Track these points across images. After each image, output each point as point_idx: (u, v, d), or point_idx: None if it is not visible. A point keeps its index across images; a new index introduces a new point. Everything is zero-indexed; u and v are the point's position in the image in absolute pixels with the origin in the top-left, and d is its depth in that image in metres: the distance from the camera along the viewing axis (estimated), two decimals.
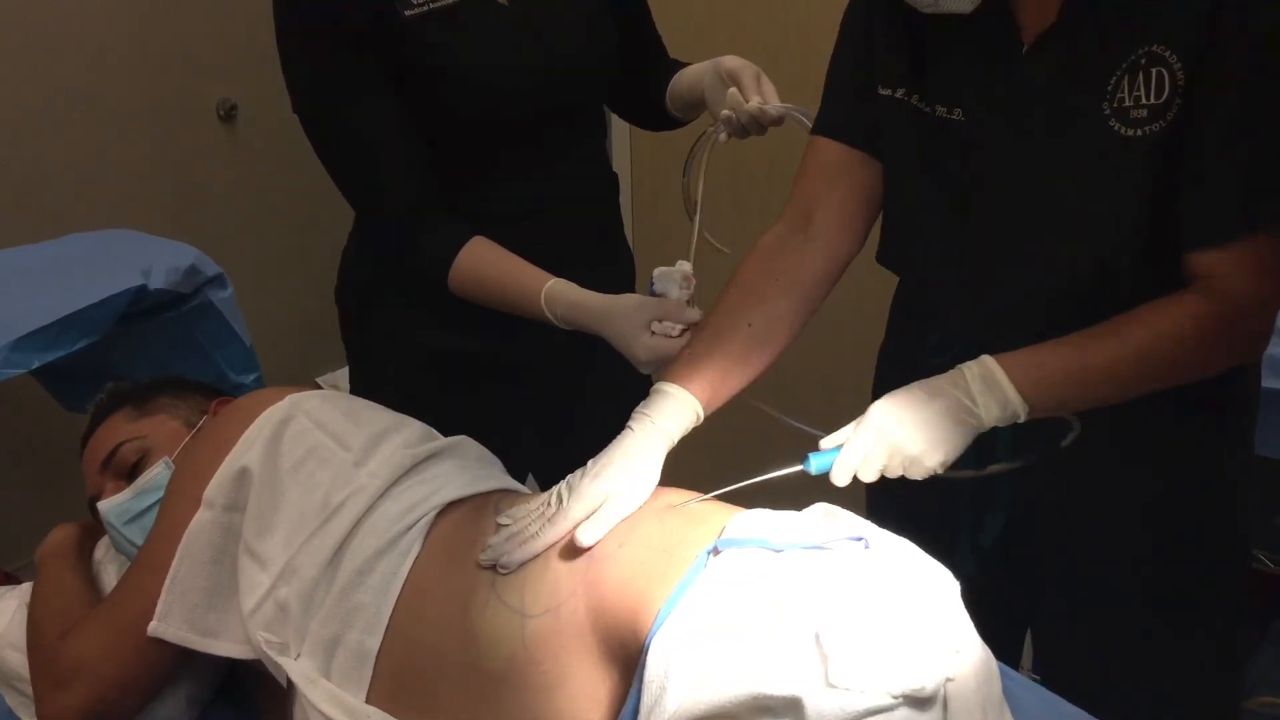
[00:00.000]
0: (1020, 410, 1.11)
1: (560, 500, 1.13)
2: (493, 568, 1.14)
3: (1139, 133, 1.09)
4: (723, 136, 1.47)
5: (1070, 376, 1.12)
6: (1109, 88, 1.10)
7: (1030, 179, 1.17)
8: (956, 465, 1.15)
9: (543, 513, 1.14)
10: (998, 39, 1.16)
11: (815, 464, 1.13)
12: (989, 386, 1.11)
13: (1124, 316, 1.13)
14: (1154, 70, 1.07)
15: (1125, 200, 1.12)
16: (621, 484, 1.13)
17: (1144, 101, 1.08)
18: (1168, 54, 1.07)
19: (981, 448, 1.22)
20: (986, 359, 1.12)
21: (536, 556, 1.12)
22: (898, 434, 1.10)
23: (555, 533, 1.12)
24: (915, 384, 1.14)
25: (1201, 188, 1.09)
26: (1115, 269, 1.15)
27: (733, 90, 1.45)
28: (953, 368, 1.17)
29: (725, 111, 1.45)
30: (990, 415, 1.11)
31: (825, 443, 1.15)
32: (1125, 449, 1.24)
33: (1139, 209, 1.12)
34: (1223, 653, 1.34)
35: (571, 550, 1.11)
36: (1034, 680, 1.32)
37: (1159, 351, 1.12)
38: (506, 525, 1.15)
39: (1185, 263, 1.12)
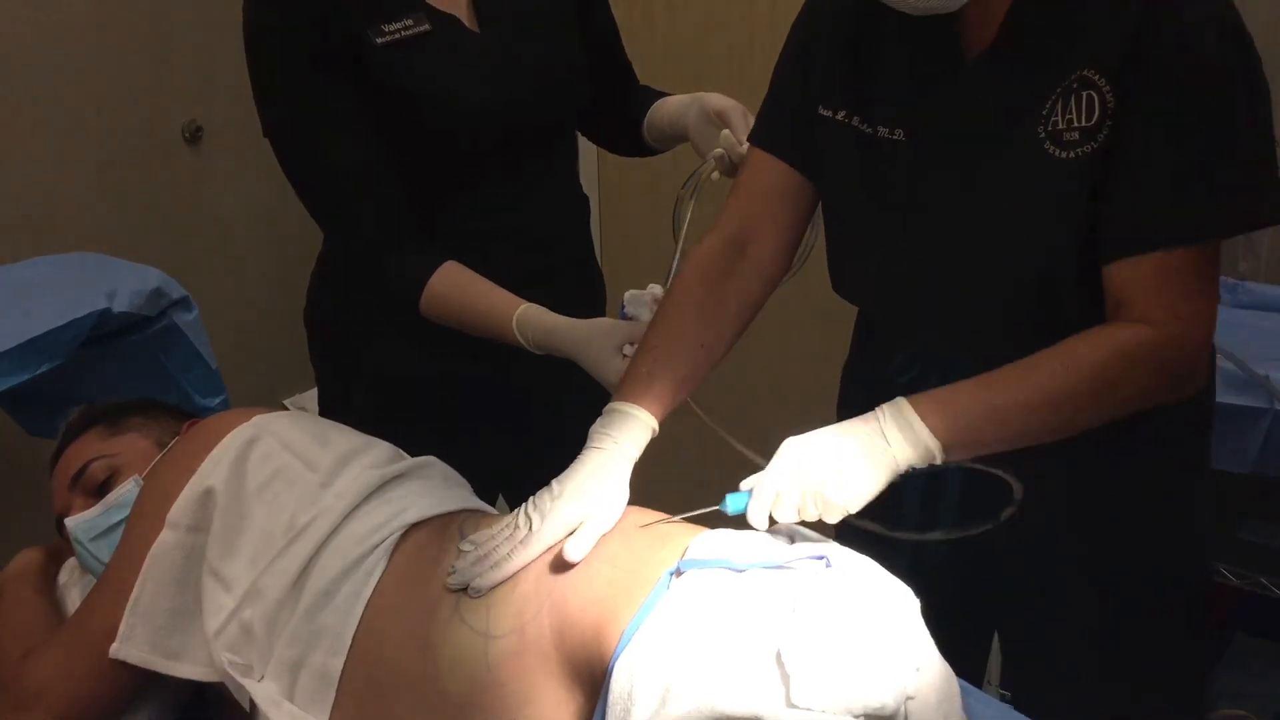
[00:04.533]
0: (934, 448, 1.09)
1: (529, 522, 1.13)
2: (462, 590, 1.13)
3: (1071, 155, 1.11)
4: (715, 175, 1.49)
5: (982, 414, 1.11)
6: (1044, 111, 1.12)
7: (969, 199, 1.18)
8: (896, 524, 1.16)
9: (511, 535, 1.14)
10: (940, 58, 1.18)
11: (731, 504, 1.12)
12: (901, 425, 1.09)
13: (1042, 353, 1.12)
14: (1085, 94, 1.09)
15: (1059, 220, 1.14)
16: (597, 504, 1.14)
17: (1076, 124, 1.10)
18: (1098, 78, 1.09)
19: (924, 513, 1.25)
20: (901, 400, 1.11)
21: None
22: (807, 469, 1.08)
23: (528, 555, 1.12)
24: (831, 425, 1.13)
25: (1117, 202, 1.10)
26: (1056, 286, 1.16)
27: (726, 132, 1.48)
28: (915, 384, 1.17)
29: (718, 150, 1.47)
30: (904, 454, 1.09)
31: (745, 484, 1.13)
32: (1083, 469, 1.25)
33: (1073, 228, 1.13)
34: (1187, 668, 1.35)
35: (536, 570, 1.11)
36: (1003, 695, 1.33)
37: (1072, 388, 1.10)
38: (470, 551, 1.15)
39: (1105, 288, 1.12)
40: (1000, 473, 1.15)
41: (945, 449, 1.09)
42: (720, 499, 1.12)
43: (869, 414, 1.12)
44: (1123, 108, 1.08)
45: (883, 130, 1.22)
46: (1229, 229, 1.12)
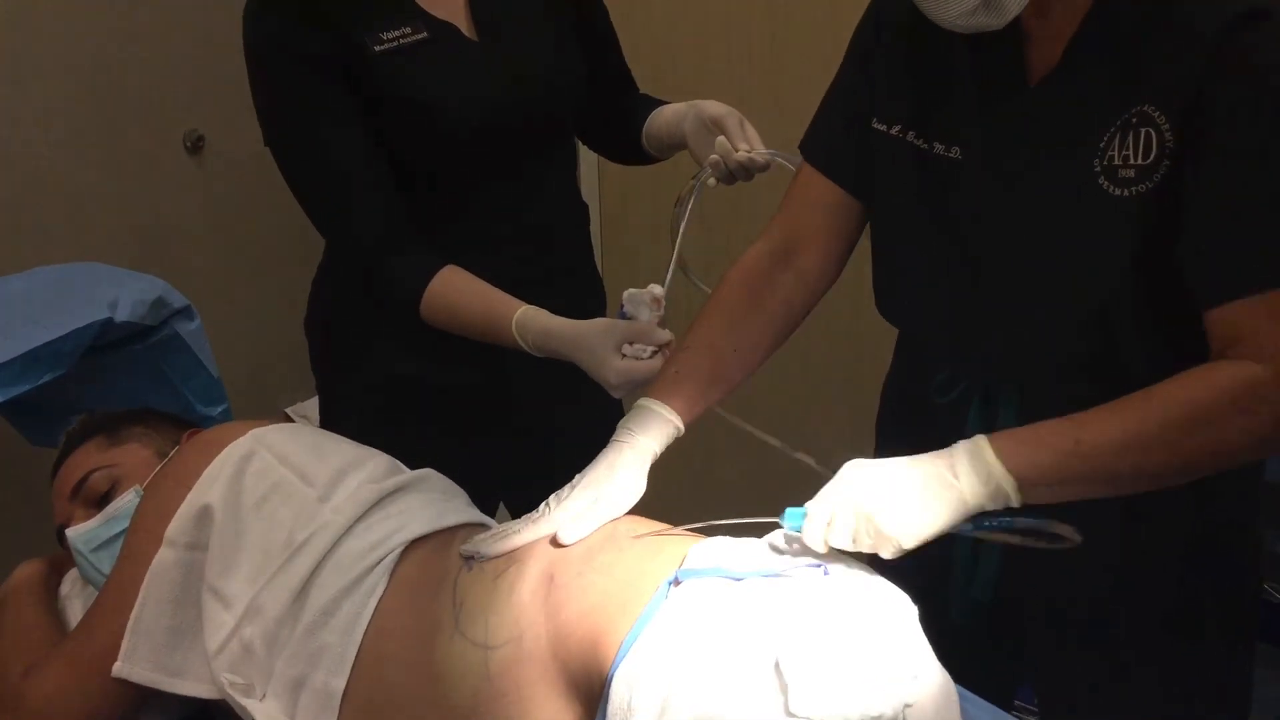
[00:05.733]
0: (1008, 486, 1.02)
1: (548, 509, 1.16)
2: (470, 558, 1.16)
3: (1126, 193, 1.06)
4: (711, 182, 1.49)
5: (1066, 453, 1.02)
6: (1101, 144, 1.07)
7: (1020, 225, 1.15)
8: None
9: (529, 516, 1.17)
10: (1004, 78, 1.15)
11: (789, 520, 1.09)
12: (973, 459, 1.03)
13: (1139, 391, 1.03)
14: (1143, 130, 1.05)
15: (1111, 256, 1.09)
16: (607, 490, 1.16)
17: (1132, 161, 1.05)
18: (1157, 114, 1.04)
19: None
20: (979, 436, 1.05)
21: (503, 581, 1.13)
22: (864, 495, 1.04)
23: (536, 532, 1.15)
24: (902, 457, 1.07)
25: (1210, 244, 1.04)
26: (1109, 323, 1.12)
27: (721, 139, 1.47)
28: (956, 405, 1.15)
29: (713, 157, 1.47)
30: (972, 490, 1.02)
31: (809, 504, 1.09)
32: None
33: (1126, 264, 1.08)
34: (1233, 690, 1.30)
35: (534, 580, 1.12)
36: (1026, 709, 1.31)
37: (1167, 429, 1.01)
38: (469, 557, 1.17)
39: (1210, 332, 1.05)
40: (1057, 528, 1.05)
41: (1021, 488, 1.02)
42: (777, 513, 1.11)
43: (946, 449, 1.06)
44: (1187, 146, 1.03)
45: (939, 147, 1.19)
46: None
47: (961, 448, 1.05)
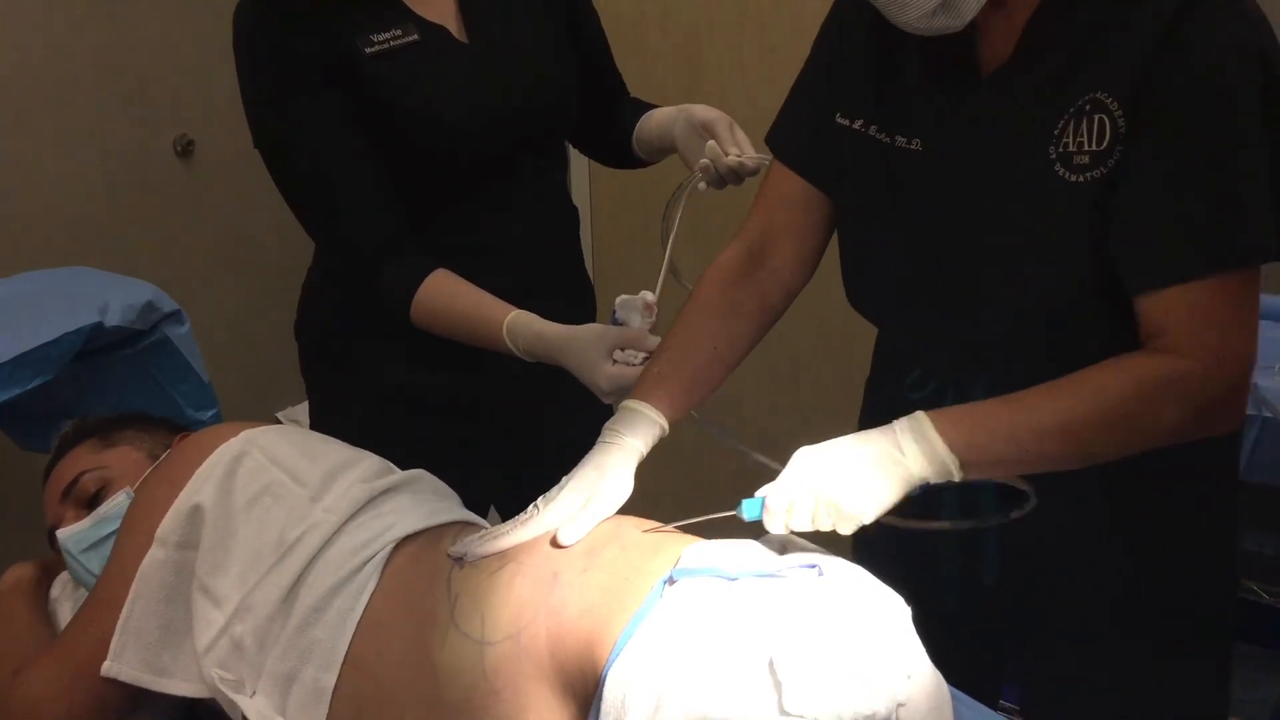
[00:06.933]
0: (950, 463, 1.07)
1: (537, 510, 1.16)
2: (458, 560, 1.16)
3: (1081, 179, 1.09)
4: (701, 186, 1.50)
5: (1001, 434, 1.08)
6: (1055, 132, 1.10)
7: (979, 215, 1.17)
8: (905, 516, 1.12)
9: (518, 518, 1.16)
10: (958, 71, 1.17)
11: (748, 510, 1.11)
12: (917, 438, 1.08)
13: (1067, 377, 1.09)
14: (1097, 117, 1.07)
15: (1069, 243, 1.11)
16: (598, 490, 1.16)
17: (1086, 148, 1.08)
18: (1109, 101, 1.07)
19: (928, 508, 1.21)
20: (919, 414, 1.09)
21: (501, 577, 1.13)
22: (819, 478, 1.08)
23: (526, 533, 1.15)
24: (846, 435, 1.12)
25: (1139, 232, 1.07)
26: (1071, 311, 1.14)
27: (711, 143, 1.48)
28: (930, 402, 1.16)
29: (703, 161, 1.48)
30: (919, 466, 1.07)
31: (760, 491, 1.12)
32: (1112, 487, 1.20)
33: (1083, 252, 1.11)
34: (1211, 690, 1.32)
35: (533, 577, 1.12)
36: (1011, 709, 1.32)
37: (1086, 416, 1.07)
38: (457, 558, 1.17)
39: (1138, 318, 1.09)
40: (1013, 481, 1.14)
41: (963, 465, 1.07)
42: (734, 507, 1.12)
43: (887, 426, 1.11)
44: (1133, 133, 1.06)
45: (900, 140, 1.21)
46: (1245, 259, 1.06)
47: (905, 425, 1.10)
